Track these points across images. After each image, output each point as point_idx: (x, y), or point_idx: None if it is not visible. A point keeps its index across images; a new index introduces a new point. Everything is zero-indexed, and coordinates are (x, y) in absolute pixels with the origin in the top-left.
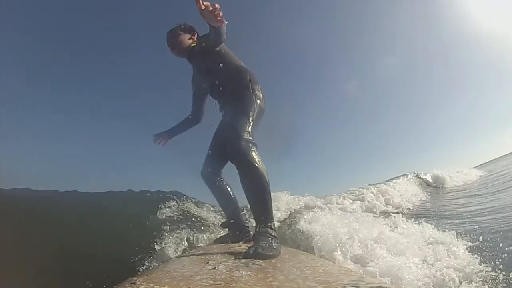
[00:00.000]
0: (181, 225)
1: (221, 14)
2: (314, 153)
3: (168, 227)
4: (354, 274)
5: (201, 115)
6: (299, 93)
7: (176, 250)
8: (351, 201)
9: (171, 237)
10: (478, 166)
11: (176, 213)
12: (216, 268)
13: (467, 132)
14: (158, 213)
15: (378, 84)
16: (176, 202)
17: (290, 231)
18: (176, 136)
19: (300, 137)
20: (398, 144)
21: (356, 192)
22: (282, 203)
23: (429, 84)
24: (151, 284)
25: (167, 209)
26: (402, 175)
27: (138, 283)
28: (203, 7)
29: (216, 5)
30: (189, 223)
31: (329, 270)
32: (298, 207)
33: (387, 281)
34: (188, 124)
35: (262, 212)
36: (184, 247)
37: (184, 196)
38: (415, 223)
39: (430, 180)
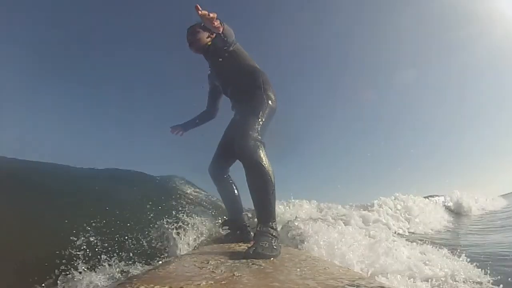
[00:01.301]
0: (189, 223)
1: (216, 23)
2: (334, 161)
3: (176, 222)
4: (354, 274)
5: (216, 111)
6: (317, 99)
7: (185, 247)
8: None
9: (176, 234)
10: (506, 194)
11: (188, 206)
12: (217, 268)
13: (501, 155)
14: (172, 203)
15: (405, 95)
16: (191, 196)
17: (290, 231)
18: (191, 129)
19: (315, 142)
20: (427, 161)
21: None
22: (302, 212)
23: (462, 98)
24: (152, 284)
25: (180, 203)
26: (430, 196)
27: (138, 283)
28: (201, 14)
29: (211, 15)
30: (200, 219)
31: (329, 270)
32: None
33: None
34: (203, 118)
35: (264, 211)
36: (187, 247)
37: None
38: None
39: (457, 206)
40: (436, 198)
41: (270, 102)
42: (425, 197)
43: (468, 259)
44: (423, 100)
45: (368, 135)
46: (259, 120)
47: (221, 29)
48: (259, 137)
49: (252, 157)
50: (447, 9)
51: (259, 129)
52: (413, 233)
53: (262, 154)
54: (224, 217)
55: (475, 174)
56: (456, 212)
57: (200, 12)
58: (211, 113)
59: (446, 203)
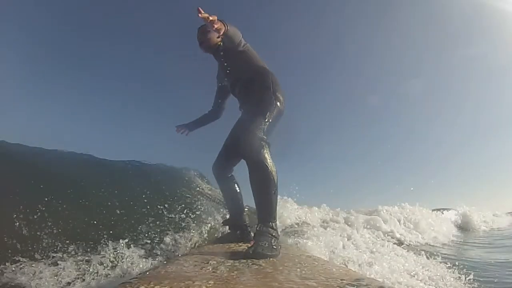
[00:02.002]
0: (193, 222)
1: (215, 25)
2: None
3: (179, 220)
4: (354, 274)
5: (222, 111)
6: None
7: (185, 247)
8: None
9: (179, 234)
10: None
11: (198, 202)
12: (217, 268)
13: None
14: (182, 198)
15: (420, 105)
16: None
17: (291, 232)
18: (197, 129)
19: (328, 149)
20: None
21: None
22: (310, 216)
23: (480, 112)
24: (152, 284)
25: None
26: (438, 209)
27: (138, 283)
28: (201, 17)
29: (210, 18)
30: (205, 218)
31: (329, 270)
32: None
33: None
34: (208, 118)
35: (265, 211)
36: (188, 247)
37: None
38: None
39: (464, 221)
40: (445, 212)
41: (278, 103)
42: (433, 210)
43: (464, 275)
44: (440, 112)
45: (381, 143)
46: (266, 120)
47: (222, 31)
48: (264, 137)
49: (256, 157)
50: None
51: (265, 129)
52: (414, 243)
53: (266, 154)
54: (226, 215)
55: (482, 190)
56: (463, 227)
57: (200, 15)
58: (216, 113)
59: (453, 217)
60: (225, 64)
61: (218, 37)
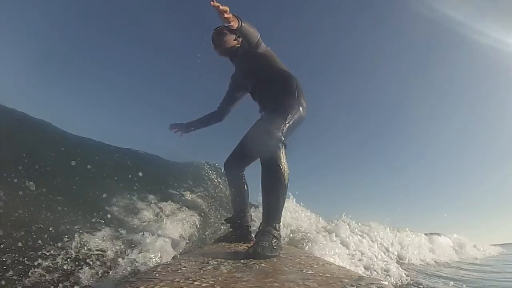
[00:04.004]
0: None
1: (226, 15)
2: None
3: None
4: (354, 274)
5: (226, 114)
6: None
7: (185, 247)
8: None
9: (179, 233)
10: (499, 244)
11: (208, 199)
12: (217, 268)
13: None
14: (194, 192)
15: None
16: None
17: (291, 232)
18: (195, 130)
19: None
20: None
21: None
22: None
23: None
24: (152, 284)
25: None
26: (431, 233)
27: (138, 283)
28: (213, 5)
29: (221, 7)
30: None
31: (329, 270)
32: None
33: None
34: (210, 120)
35: (271, 211)
36: (187, 247)
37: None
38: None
39: (456, 247)
40: (437, 236)
41: (301, 108)
42: (425, 234)
43: None
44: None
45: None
46: (286, 122)
47: (235, 24)
48: (282, 138)
49: (271, 156)
50: None
51: (284, 130)
52: (409, 262)
53: (282, 155)
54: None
55: (468, 220)
56: (457, 252)
57: (212, 3)
58: (220, 115)
59: (447, 243)
60: (245, 66)
61: (235, 40)
